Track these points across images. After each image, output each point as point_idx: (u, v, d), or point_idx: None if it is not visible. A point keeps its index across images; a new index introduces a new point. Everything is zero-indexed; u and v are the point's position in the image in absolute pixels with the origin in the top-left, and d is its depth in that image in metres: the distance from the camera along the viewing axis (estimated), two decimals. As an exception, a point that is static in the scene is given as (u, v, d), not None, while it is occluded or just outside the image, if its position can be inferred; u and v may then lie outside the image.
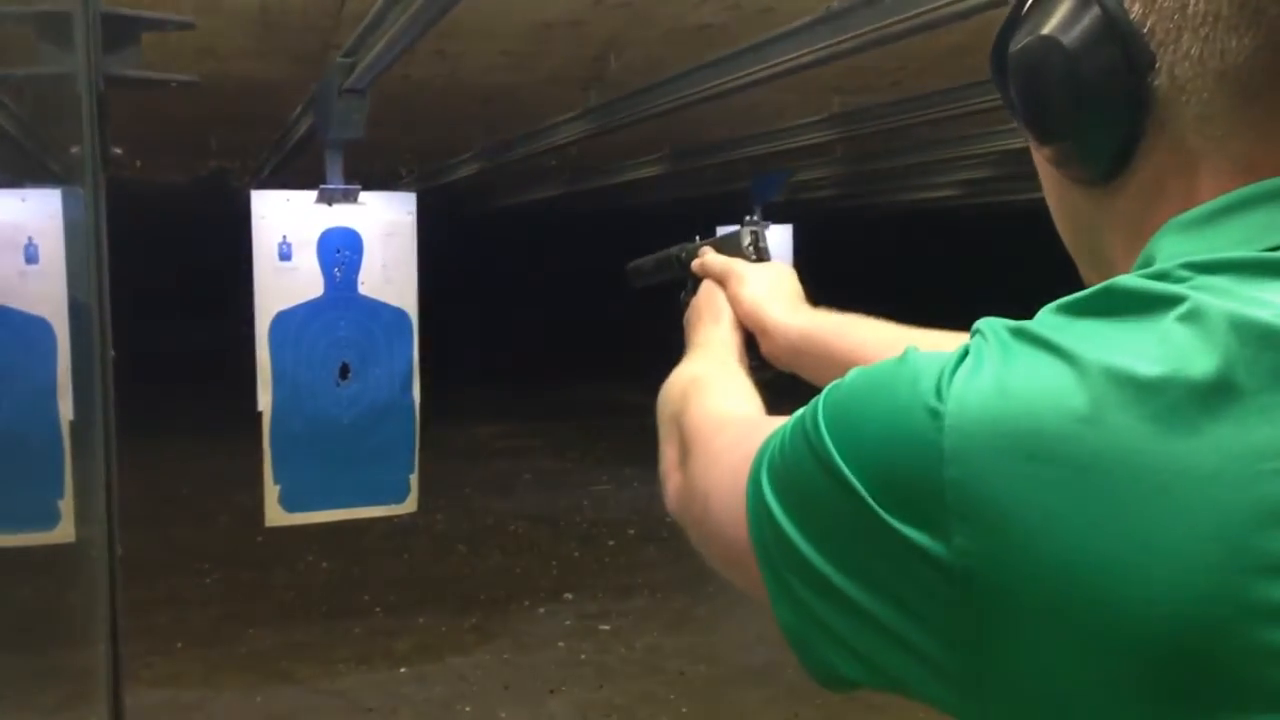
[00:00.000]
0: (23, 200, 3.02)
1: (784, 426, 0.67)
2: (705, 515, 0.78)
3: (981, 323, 0.61)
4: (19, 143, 3.69)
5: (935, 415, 0.57)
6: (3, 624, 4.76)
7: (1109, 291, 0.58)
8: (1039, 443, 0.54)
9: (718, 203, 6.55)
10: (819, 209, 8.75)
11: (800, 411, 0.65)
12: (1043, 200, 0.74)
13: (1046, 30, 0.65)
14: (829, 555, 0.61)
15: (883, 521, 0.58)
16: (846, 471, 0.59)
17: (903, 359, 0.61)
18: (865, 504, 0.58)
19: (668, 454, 0.91)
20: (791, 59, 2.74)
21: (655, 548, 6.42)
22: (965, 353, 0.59)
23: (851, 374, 0.64)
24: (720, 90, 3.20)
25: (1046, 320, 0.59)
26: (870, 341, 1.06)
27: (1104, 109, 0.64)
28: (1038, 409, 0.55)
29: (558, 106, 4.27)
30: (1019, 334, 0.59)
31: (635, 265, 1.43)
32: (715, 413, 0.89)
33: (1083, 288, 0.62)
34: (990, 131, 4.77)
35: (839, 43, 2.53)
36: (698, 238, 1.33)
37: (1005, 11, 0.69)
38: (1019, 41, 0.68)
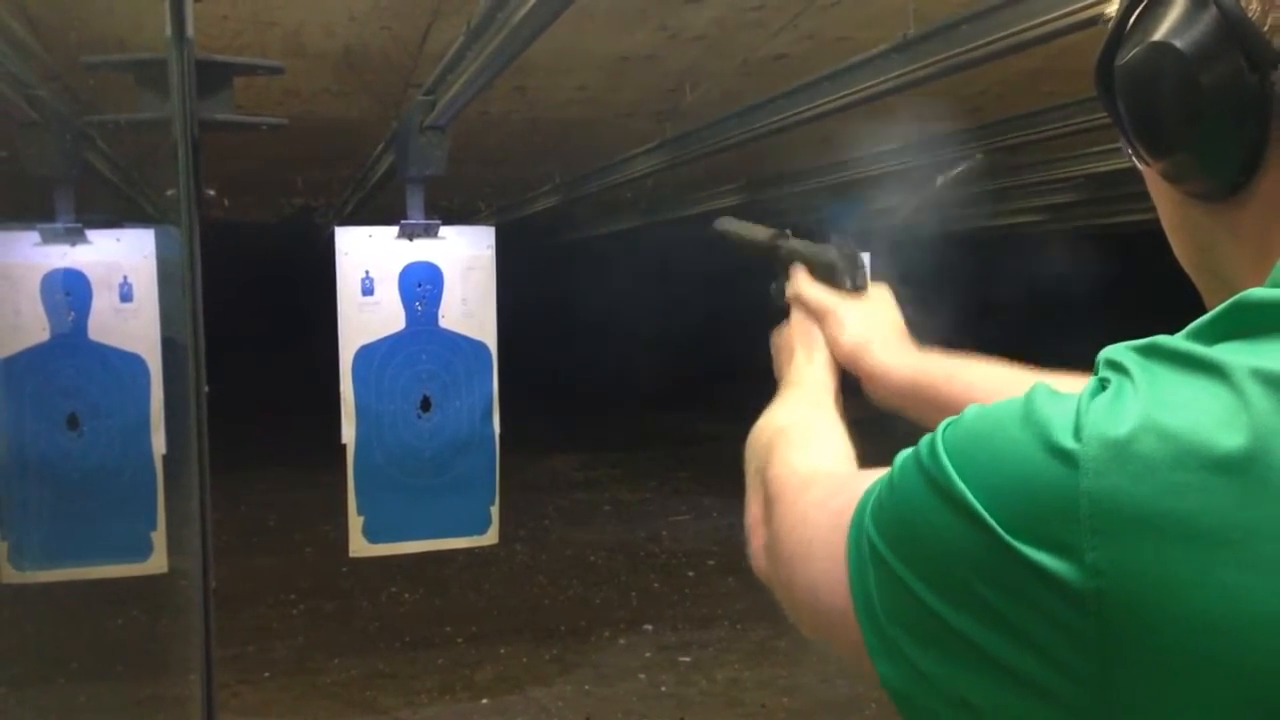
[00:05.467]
0: (118, 240, 3.10)
1: (887, 474, 0.64)
2: (793, 575, 0.75)
3: (1107, 351, 0.58)
4: (114, 184, 3.82)
5: (1076, 431, 0.54)
6: (97, 654, 4.88)
7: (1239, 307, 0.55)
8: (1182, 450, 0.51)
9: (795, 232, 6.52)
10: (896, 236, 8.68)
11: (909, 451, 0.63)
12: (1131, 224, 0.71)
13: (1158, 37, 0.61)
14: (945, 593, 0.57)
15: (1010, 549, 0.55)
16: (972, 499, 0.56)
17: (1033, 391, 0.58)
18: (992, 531, 0.55)
19: (752, 509, 0.88)
20: (868, 87, 2.73)
21: (735, 579, 6.38)
22: (1100, 381, 0.57)
23: (972, 409, 0.61)
24: (796, 120, 3.20)
25: (1180, 342, 0.56)
26: (982, 385, 1.01)
27: (1225, 115, 0.60)
28: (1182, 417, 0.52)
29: (634, 139, 4.31)
30: (1152, 352, 0.56)
31: (725, 228, 1.35)
32: (801, 469, 0.85)
33: (1189, 315, 0.58)
34: (1072, 155, 4.71)
35: (915, 70, 2.51)
36: (789, 232, 1.26)
37: (1086, 35, 0.67)
38: (1127, 53, 0.64)
